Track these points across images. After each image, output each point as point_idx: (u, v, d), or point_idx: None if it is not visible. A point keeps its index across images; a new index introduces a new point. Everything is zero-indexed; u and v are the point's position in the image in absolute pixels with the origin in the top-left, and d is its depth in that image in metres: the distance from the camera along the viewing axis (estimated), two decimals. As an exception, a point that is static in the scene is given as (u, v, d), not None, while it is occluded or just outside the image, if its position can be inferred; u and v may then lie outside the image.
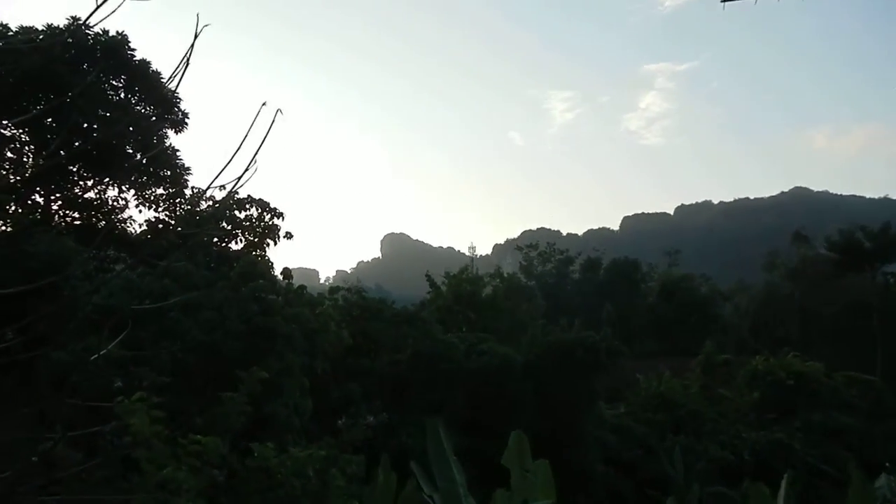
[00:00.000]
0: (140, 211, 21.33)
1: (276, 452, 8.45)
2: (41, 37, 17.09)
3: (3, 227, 17.86)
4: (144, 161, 20.68)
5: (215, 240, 20.25)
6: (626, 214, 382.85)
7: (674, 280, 70.39)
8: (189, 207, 21.09)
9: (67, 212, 20.51)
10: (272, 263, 20.41)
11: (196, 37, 3.06)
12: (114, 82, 20.04)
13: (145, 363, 10.99)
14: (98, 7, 3.01)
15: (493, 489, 10.28)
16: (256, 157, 3.22)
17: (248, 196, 21.33)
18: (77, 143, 19.09)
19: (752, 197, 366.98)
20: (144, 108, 21.17)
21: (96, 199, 21.00)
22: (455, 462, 10.75)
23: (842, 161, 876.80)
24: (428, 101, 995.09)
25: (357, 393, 19.61)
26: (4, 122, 18.30)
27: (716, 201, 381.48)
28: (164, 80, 20.61)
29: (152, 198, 21.35)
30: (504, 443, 10.67)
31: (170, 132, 21.34)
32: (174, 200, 21.60)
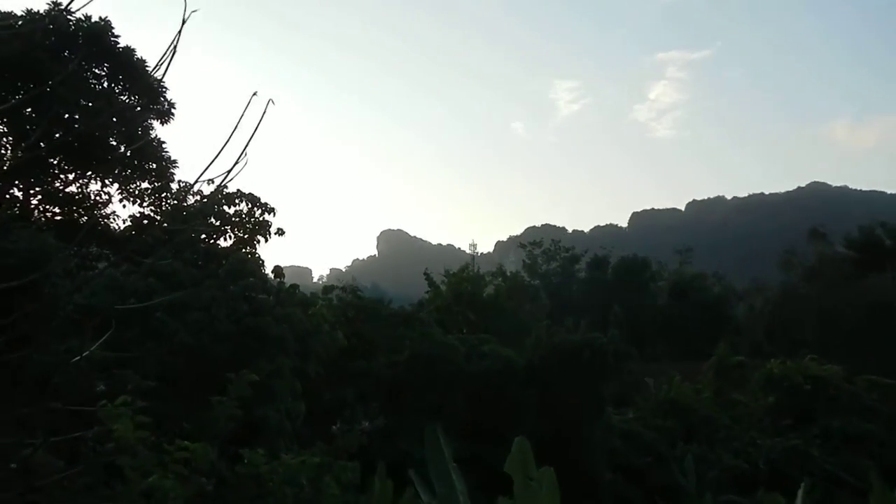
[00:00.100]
0: (124, 206, 21.35)
1: (267, 459, 8.45)
2: (20, 22, 17.09)
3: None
4: (129, 153, 20.68)
5: (203, 236, 20.24)
6: (635, 210, 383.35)
7: (685, 279, 70.53)
8: (175, 202, 21.09)
9: (48, 206, 20.51)
10: (263, 261, 20.45)
11: (184, 23, 3.07)
12: (97, 70, 20.02)
13: (130, 366, 10.99)
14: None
15: (495, 498, 10.29)
16: (247, 149, 3.23)
17: (238, 190, 21.30)
18: (58, 135, 19.10)
19: (767, 192, 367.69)
20: (129, 97, 21.14)
21: (78, 194, 21.00)
22: (455, 469, 10.77)
23: (862, 154, 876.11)
24: (426, 91, 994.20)
25: (352, 397, 19.65)
26: (-19, 112, 18.30)
27: (729, 197, 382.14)
28: (150, 69, 20.69)
29: (137, 192, 21.35)
30: (506, 449, 10.66)
31: (155, 123, 21.34)
32: (160, 195, 21.59)
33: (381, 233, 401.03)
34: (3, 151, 19.10)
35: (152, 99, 20.61)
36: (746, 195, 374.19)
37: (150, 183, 21.43)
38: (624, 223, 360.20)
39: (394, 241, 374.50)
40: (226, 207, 21.27)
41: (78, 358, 6.05)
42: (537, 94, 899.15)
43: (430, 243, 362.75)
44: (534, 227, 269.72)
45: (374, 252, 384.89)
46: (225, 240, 21.11)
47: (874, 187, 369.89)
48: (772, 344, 54.45)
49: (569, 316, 43.05)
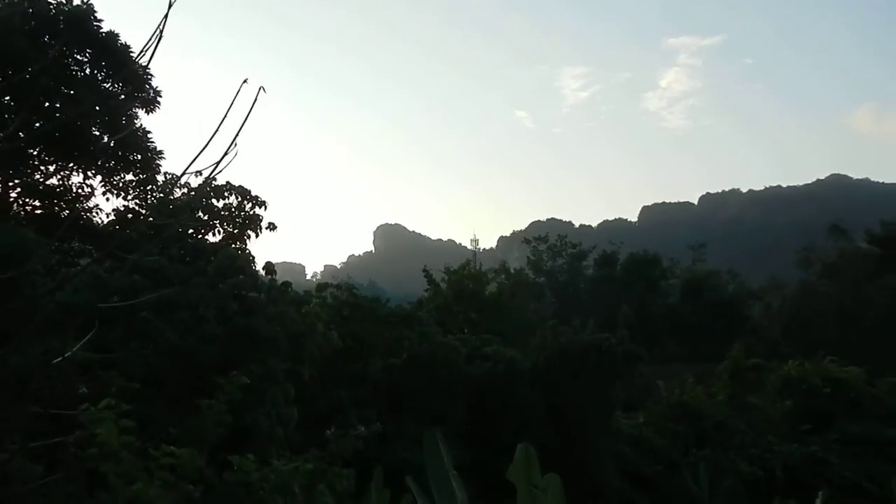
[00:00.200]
0: (108, 199, 21.33)
1: (257, 466, 8.47)
2: (-2, 6, 17.08)
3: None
4: (113, 144, 20.67)
5: (190, 231, 20.24)
6: (646, 204, 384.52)
7: (698, 277, 70.53)
8: (162, 195, 21.10)
9: (27, 199, 20.53)
10: (253, 257, 20.38)
11: (170, 6, 3.06)
12: (78, 57, 19.99)
13: (113, 367, 11.00)
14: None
15: (498, 507, 10.32)
16: (237, 140, 3.22)
17: (227, 183, 21.29)
18: (38, 124, 19.07)
19: (784, 185, 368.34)
20: (112, 85, 21.13)
21: (59, 186, 21.00)
22: (455, 477, 10.79)
23: (886, 145, 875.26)
24: (425, 78, 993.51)
25: (347, 401, 19.65)
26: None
27: (745, 190, 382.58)
28: (135, 55, 20.69)
29: (121, 184, 21.35)
30: (509, 456, 10.69)
31: (140, 112, 21.33)
32: (145, 187, 21.59)
33: (378, 227, 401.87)
34: (-21, 142, 19.08)
35: (137, 87, 20.60)
36: (762, 188, 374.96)
37: (134, 175, 21.43)
38: (634, 217, 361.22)
39: (391, 237, 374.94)
40: (214, 201, 21.26)
41: (59, 359, 6.05)
42: (543, 81, 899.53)
43: (429, 238, 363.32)
44: (539, 221, 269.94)
45: (371, 248, 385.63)
46: (214, 235, 21.12)
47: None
48: (789, 345, 54.46)
49: (575, 315, 43.11)
